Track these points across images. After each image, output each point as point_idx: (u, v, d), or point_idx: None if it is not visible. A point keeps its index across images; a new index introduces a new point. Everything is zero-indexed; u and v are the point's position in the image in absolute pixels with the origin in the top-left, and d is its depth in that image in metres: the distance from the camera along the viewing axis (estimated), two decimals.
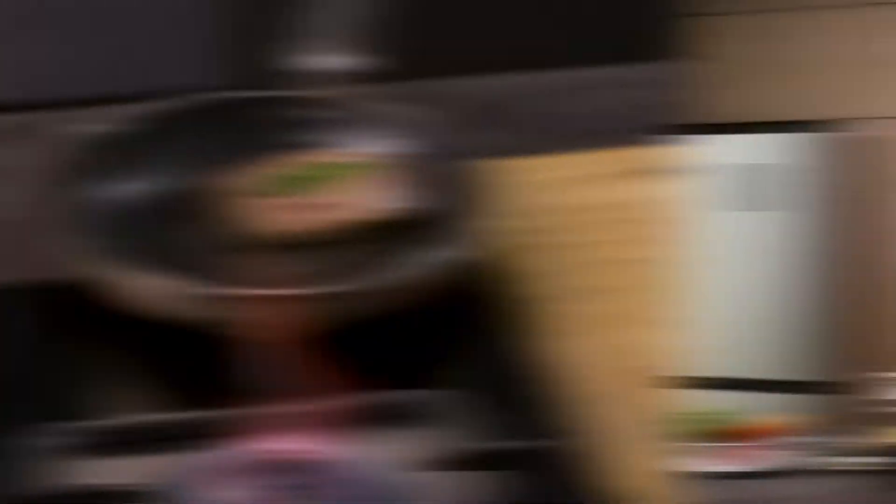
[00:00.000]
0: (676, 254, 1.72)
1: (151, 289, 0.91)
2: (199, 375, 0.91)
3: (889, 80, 3.81)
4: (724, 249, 4.02)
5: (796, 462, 2.44)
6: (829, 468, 2.40)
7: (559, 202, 1.30)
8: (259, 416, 0.81)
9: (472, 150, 1.08)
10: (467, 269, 1.00)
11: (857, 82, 3.89)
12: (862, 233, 3.82)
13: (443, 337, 0.99)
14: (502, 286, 1.06)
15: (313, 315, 0.89)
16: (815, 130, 3.87)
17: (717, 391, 4.11)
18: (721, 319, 4.05)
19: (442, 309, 0.97)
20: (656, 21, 1.85)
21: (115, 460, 0.87)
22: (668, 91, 1.98)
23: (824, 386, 3.90)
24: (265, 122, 1.09)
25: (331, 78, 1.10)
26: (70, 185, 1.01)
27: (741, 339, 4.00)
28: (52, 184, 1.01)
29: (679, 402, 2.94)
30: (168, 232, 1.00)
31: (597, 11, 1.73)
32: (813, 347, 3.91)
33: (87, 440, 0.87)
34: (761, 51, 4.07)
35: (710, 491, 2.29)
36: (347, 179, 1.03)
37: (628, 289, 1.53)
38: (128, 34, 2.09)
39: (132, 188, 1.04)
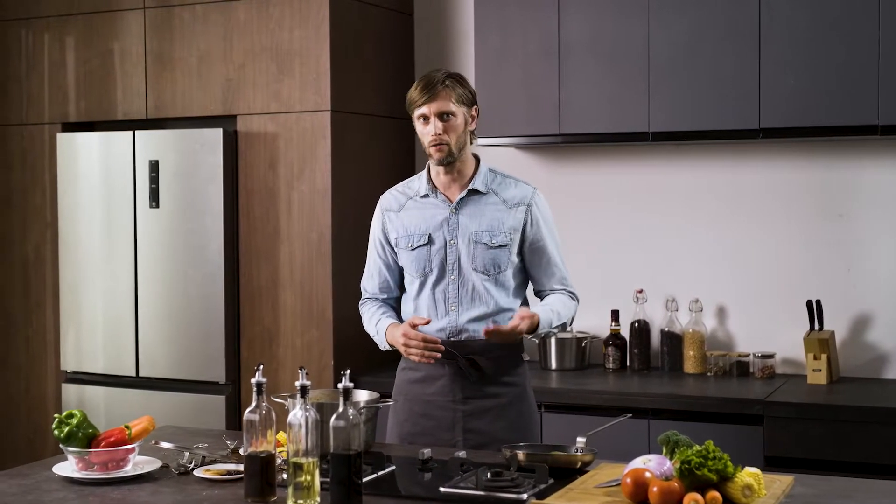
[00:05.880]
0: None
1: None
2: None
3: (257, 77, 3.84)
4: (126, 245, 3.99)
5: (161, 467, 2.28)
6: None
7: None
8: None
9: None
10: None
11: (231, 78, 3.89)
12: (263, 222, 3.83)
13: None
14: None
15: None
16: (206, 126, 3.86)
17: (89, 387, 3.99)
18: (115, 316, 4.00)
19: None
20: None
21: None
22: None
23: (201, 385, 3.84)
24: None
25: None
26: None
27: (120, 336, 3.95)
28: None
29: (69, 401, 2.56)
30: None
31: None
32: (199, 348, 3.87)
33: None
34: (154, 45, 4.00)
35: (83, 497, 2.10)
36: None
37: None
38: None
39: None
